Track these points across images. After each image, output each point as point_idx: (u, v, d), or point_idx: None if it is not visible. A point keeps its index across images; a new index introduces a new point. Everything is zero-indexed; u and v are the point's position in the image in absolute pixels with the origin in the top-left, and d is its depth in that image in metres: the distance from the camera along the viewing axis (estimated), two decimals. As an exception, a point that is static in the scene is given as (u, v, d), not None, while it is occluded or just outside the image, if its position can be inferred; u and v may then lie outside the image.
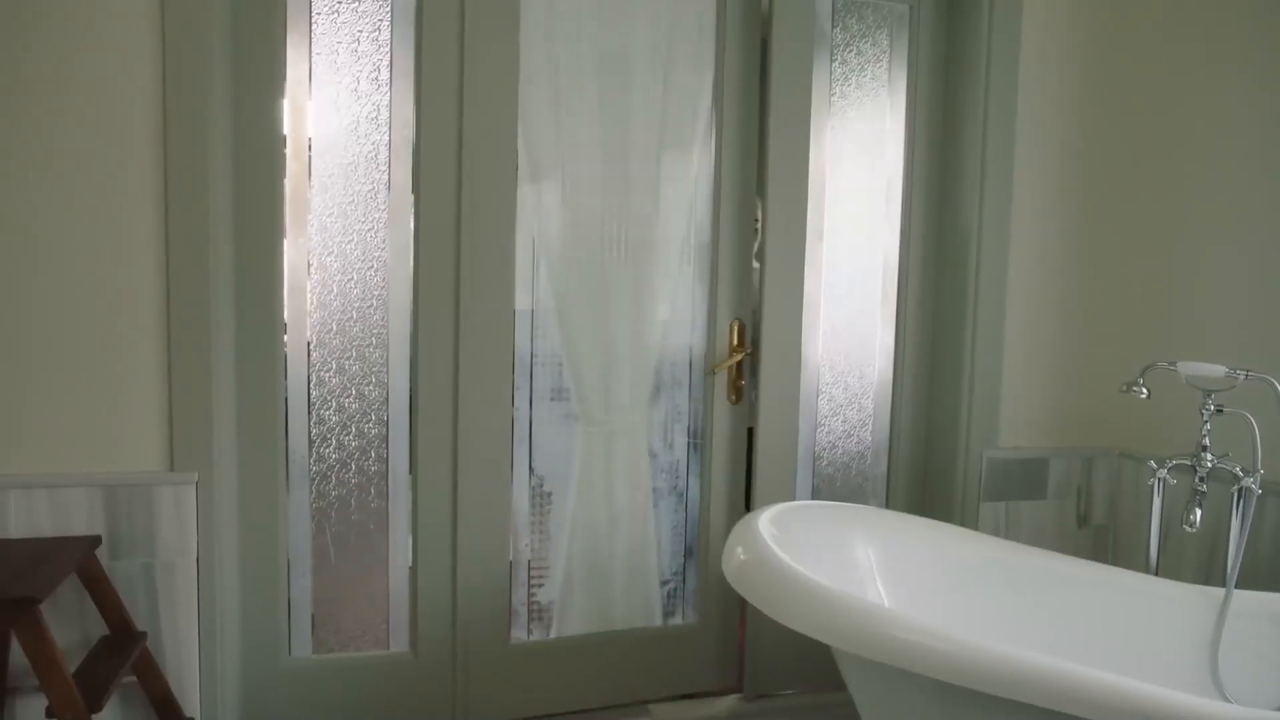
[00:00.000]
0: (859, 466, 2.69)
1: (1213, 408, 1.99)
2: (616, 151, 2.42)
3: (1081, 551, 2.56)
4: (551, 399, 2.46)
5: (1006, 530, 2.54)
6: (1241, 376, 1.94)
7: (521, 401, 2.41)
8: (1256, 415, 1.90)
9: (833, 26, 2.54)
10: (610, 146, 2.42)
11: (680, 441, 2.59)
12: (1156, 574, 2.14)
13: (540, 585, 2.50)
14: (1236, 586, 1.92)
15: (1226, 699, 1.87)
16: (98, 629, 1.94)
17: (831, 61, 2.55)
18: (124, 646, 1.88)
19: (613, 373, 2.50)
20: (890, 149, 2.63)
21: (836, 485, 2.67)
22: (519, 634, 2.46)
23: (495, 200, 2.29)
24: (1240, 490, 1.96)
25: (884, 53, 2.61)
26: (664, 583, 2.61)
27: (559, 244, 2.41)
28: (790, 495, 2.54)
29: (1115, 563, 2.54)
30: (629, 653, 2.55)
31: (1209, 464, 1.99)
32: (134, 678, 1.94)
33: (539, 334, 2.43)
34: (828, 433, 2.65)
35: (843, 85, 2.57)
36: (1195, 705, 1.31)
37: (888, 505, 2.69)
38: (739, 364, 2.51)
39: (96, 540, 1.90)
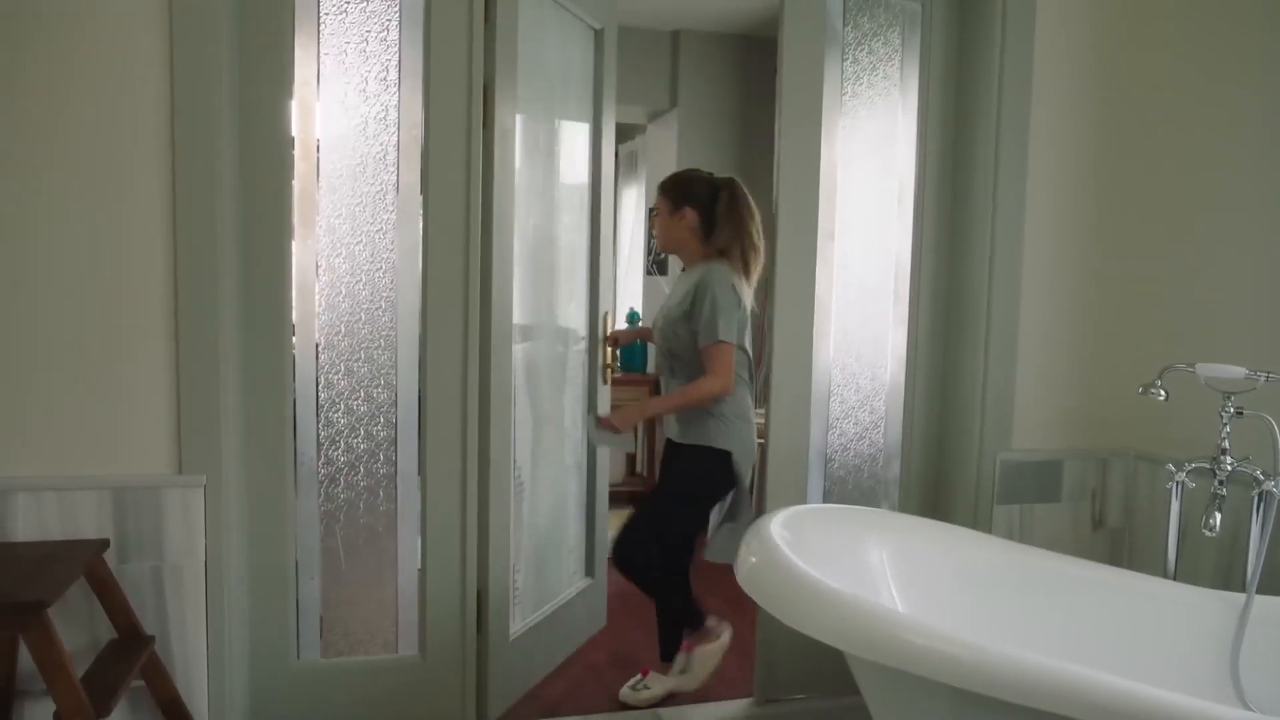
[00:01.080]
0: (871, 469, 2.66)
1: (1232, 410, 1.96)
2: (539, 174, 2.65)
3: (1096, 555, 2.52)
4: (525, 393, 2.60)
5: (1020, 533, 2.51)
6: (1262, 379, 1.91)
7: None
8: (1278, 418, 1.87)
9: (844, 25, 2.52)
10: (536, 169, 2.62)
11: (580, 420, 2.95)
12: (1174, 578, 2.12)
13: (519, 571, 2.58)
14: (1257, 592, 1.89)
15: (1248, 706, 1.84)
16: (106, 632, 1.93)
17: (843, 60, 2.52)
18: (132, 650, 1.87)
19: (548, 363, 2.75)
20: (902, 148, 2.61)
21: (848, 488, 2.64)
22: (512, 624, 2.51)
23: (500, 201, 2.29)
24: (1261, 494, 1.93)
25: (896, 51, 2.58)
26: (570, 548, 2.94)
27: (522, 252, 2.51)
28: (801, 498, 2.52)
29: (1131, 567, 2.51)
30: (564, 613, 2.85)
31: (1229, 467, 1.96)
32: (142, 681, 1.93)
33: (520, 334, 2.51)
34: (839, 435, 2.62)
35: (854, 84, 2.55)
36: (1212, 712, 1.29)
37: (900, 508, 2.67)
38: (611, 349, 2.99)
39: (104, 543, 1.90)
